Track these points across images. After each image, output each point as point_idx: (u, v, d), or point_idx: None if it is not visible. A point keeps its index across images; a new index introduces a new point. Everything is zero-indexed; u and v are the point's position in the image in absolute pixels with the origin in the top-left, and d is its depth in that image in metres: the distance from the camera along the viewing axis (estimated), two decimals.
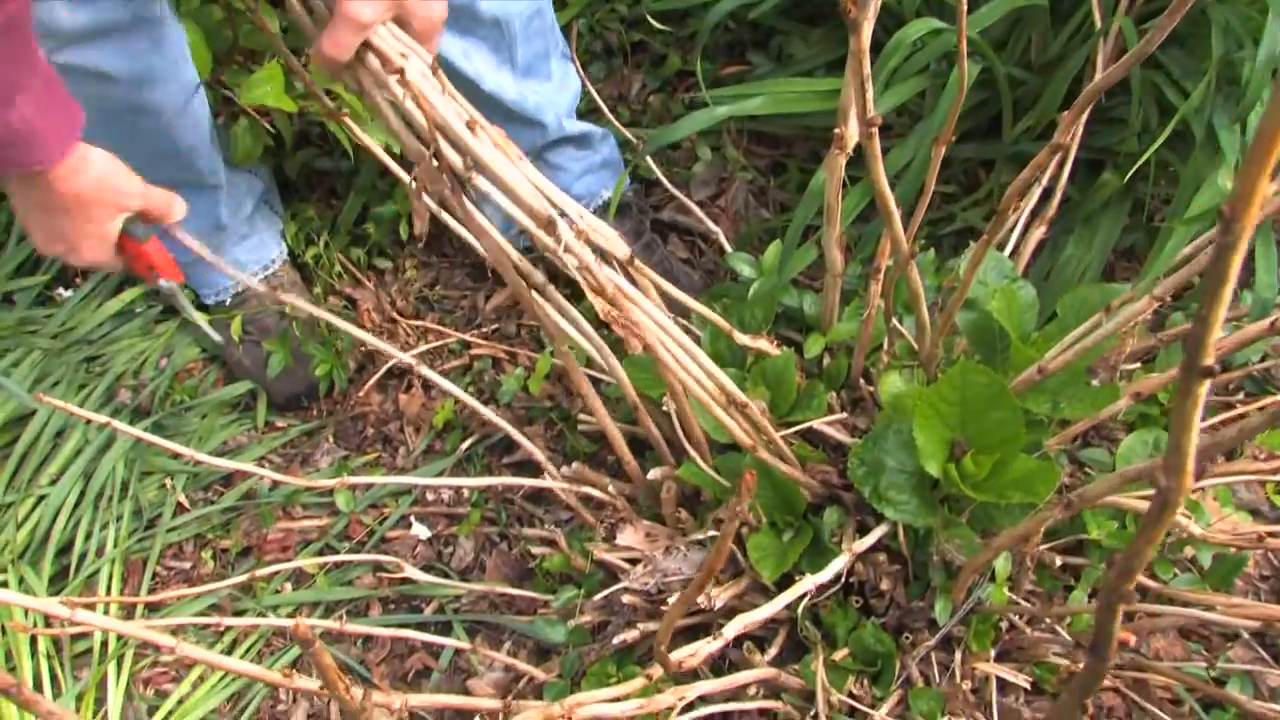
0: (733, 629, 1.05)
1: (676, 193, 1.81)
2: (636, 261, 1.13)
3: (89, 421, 1.70)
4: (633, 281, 1.18)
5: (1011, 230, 1.57)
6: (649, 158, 1.84)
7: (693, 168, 1.93)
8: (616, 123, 1.86)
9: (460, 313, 1.86)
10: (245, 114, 1.58)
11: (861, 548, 1.21)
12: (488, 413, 1.50)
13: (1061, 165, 1.52)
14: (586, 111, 1.90)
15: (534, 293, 1.12)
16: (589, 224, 1.05)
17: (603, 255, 1.07)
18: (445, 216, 1.34)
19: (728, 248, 1.74)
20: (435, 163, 0.96)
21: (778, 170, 1.93)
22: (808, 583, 1.12)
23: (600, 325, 1.17)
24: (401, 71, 0.91)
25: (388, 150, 1.60)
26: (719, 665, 1.46)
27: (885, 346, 1.51)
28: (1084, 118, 1.50)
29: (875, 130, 1.07)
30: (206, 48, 1.48)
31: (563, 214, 1.02)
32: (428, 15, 1.00)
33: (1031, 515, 1.32)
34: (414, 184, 1.03)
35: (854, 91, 1.02)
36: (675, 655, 1.19)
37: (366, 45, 0.97)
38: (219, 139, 1.61)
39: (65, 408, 1.22)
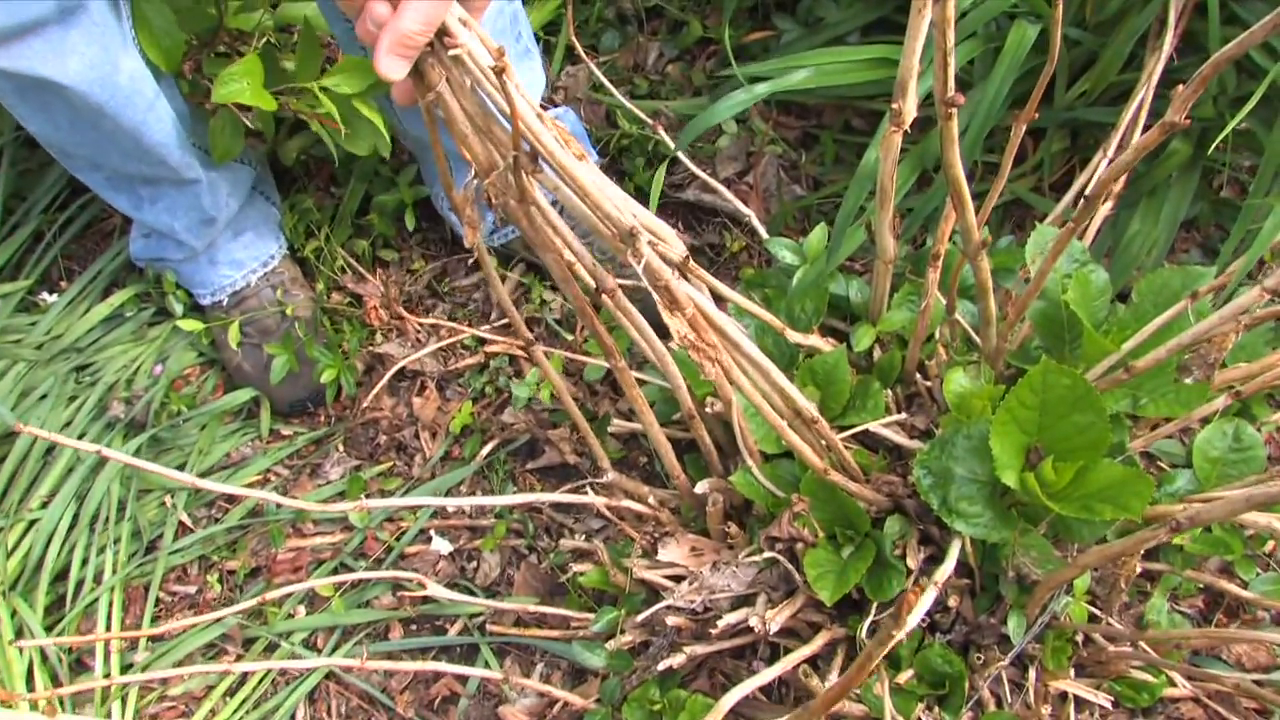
0: None
1: (698, 171, 1.67)
2: (690, 262, 1.00)
3: (81, 437, 1.58)
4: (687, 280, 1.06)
5: (1073, 206, 1.43)
6: (664, 133, 1.70)
7: (717, 142, 1.79)
8: (627, 101, 1.72)
9: (473, 305, 1.73)
10: (223, 107, 1.43)
11: (942, 576, 1.08)
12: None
13: (1130, 134, 1.38)
14: (596, 88, 1.77)
15: (604, 298, 0.99)
16: (645, 223, 0.92)
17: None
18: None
19: (760, 229, 1.60)
20: (512, 168, 0.82)
21: (809, 143, 1.79)
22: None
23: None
24: (501, 69, 0.76)
25: (375, 155, 1.47)
26: (775, 692, 1.34)
27: (938, 336, 1.38)
28: (1154, 82, 1.37)
29: (954, 111, 0.94)
30: (179, 32, 1.33)
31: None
32: None
33: (1112, 527, 1.21)
34: (470, 193, 0.89)
35: (936, 66, 0.88)
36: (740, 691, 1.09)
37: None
38: (198, 130, 1.47)
39: (51, 437, 1.09)
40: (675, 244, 0.96)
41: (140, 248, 1.65)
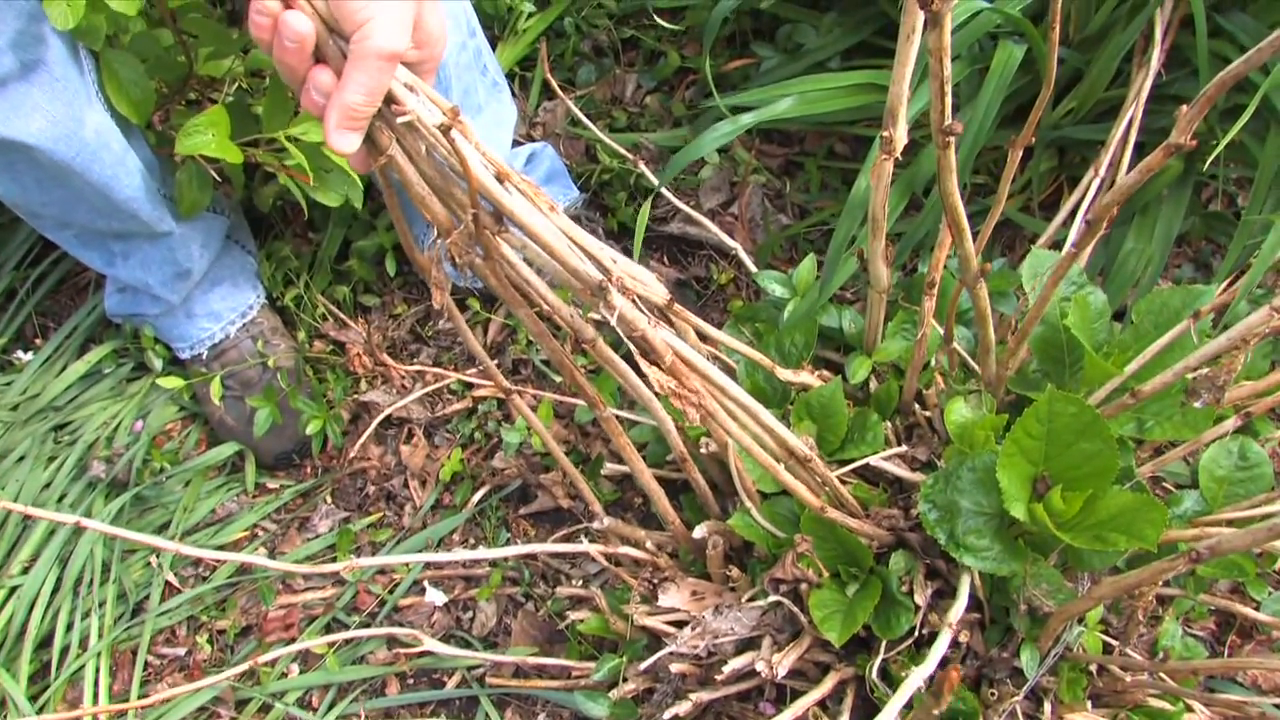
0: None
1: (681, 205, 1.63)
2: (674, 304, 0.97)
3: (62, 499, 1.53)
4: (671, 324, 1.02)
5: (1068, 226, 1.40)
6: (645, 166, 1.67)
7: (700, 173, 1.75)
8: (605, 136, 1.68)
9: (458, 349, 1.68)
10: (190, 159, 1.38)
11: (956, 616, 1.04)
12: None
13: (1121, 152, 1.35)
14: (574, 123, 1.73)
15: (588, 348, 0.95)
16: (624, 269, 0.88)
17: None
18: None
19: (747, 261, 1.57)
20: (472, 229, 0.78)
21: (793, 171, 1.76)
22: (915, 678, 0.95)
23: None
24: (449, 127, 0.72)
25: (347, 206, 1.43)
26: None
27: (934, 364, 1.35)
28: (1143, 98, 1.34)
29: (952, 140, 0.90)
30: (148, 82, 1.29)
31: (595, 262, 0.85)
32: (437, 28, 0.79)
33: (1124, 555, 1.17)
34: (435, 253, 0.85)
35: (933, 95, 0.85)
36: None
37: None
38: (168, 181, 1.43)
39: (26, 510, 1.04)
40: (656, 288, 0.92)
41: (115, 303, 1.60)
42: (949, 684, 0.47)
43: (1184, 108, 0.83)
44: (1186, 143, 0.83)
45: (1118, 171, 1.36)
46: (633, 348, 0.89)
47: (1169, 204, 1.42)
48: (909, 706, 1.22)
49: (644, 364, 0.86)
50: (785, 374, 1.27)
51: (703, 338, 1.16)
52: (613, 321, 0.81)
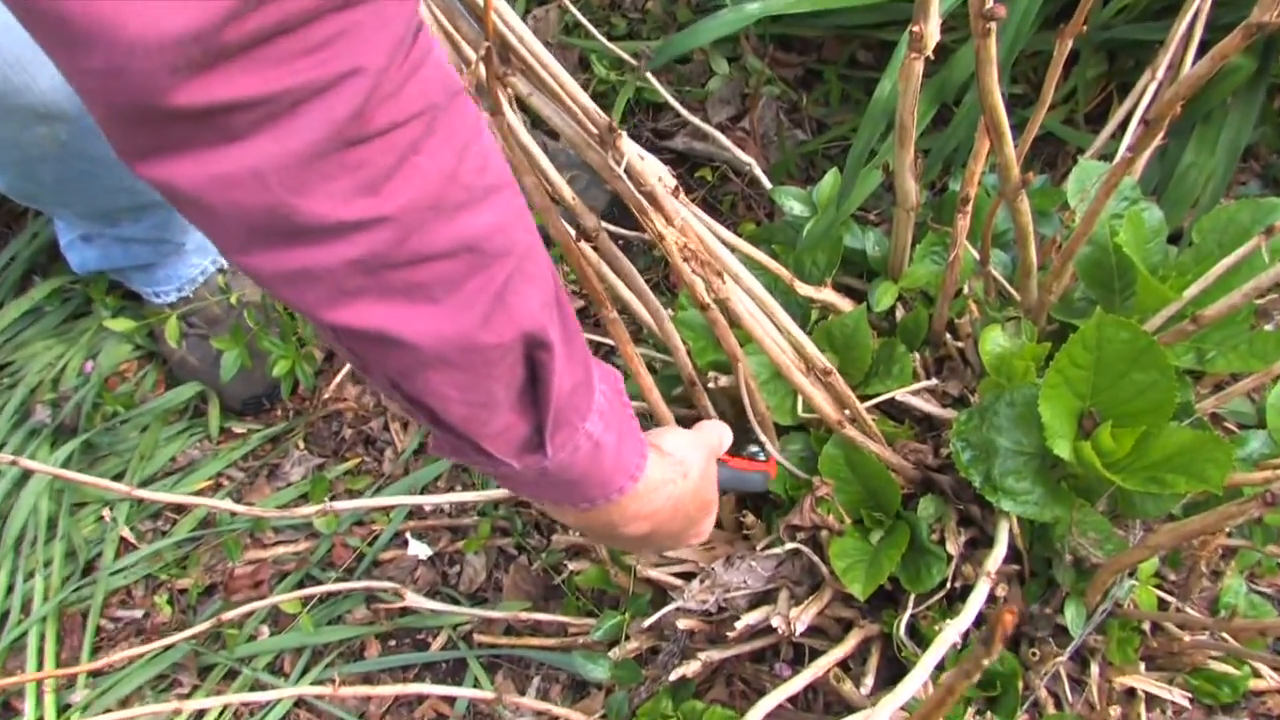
0: None
1: (690, 116, 1.57)
2: (683, 196, 0.92)
3: (1, 448, 1.49)
4: None
5: (1117, 138, 1.34)
6: (652, 75, 1.60)
7: (707, 84, 1.70)
8: (606, 41, 1.62)
9: None
10: None
11: (994, 565, 1.00)
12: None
13: (1183, 52, 1.29)
14: (574, 26, 1.67)
15: (583, 245, 0.91)
16: (632, 150, 0.84)
17: None
18: None
19: (763, 179, 1.51)
20: (483, 68, 0.74)
21: (810, 82, 1.70)
22: (951, 633, 0.91)
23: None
24: None
25: None
26: (801, 696, 1.27)
27: (968, 291, 1.30)
28: None
29: (994, 26, 0.85)
30: None
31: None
32: None
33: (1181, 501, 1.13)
34: None
35: None
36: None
37: None
38: None
39: None
40: (666, 178, 0.88)
41: (93, 259, 1.52)
42: (1003, 627, 0.42)
43: None
44: (1274, 19, 0.77)
45: (1178, 75, 1.30)
46: (644, 203, 0.84)
47: (1235, 111, 1.36)
48: (940, 667, 1.19)
49: (659, 222, 0.82)
50: (806, 290, 1.22)
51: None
52: (619, 172, 0.77)
